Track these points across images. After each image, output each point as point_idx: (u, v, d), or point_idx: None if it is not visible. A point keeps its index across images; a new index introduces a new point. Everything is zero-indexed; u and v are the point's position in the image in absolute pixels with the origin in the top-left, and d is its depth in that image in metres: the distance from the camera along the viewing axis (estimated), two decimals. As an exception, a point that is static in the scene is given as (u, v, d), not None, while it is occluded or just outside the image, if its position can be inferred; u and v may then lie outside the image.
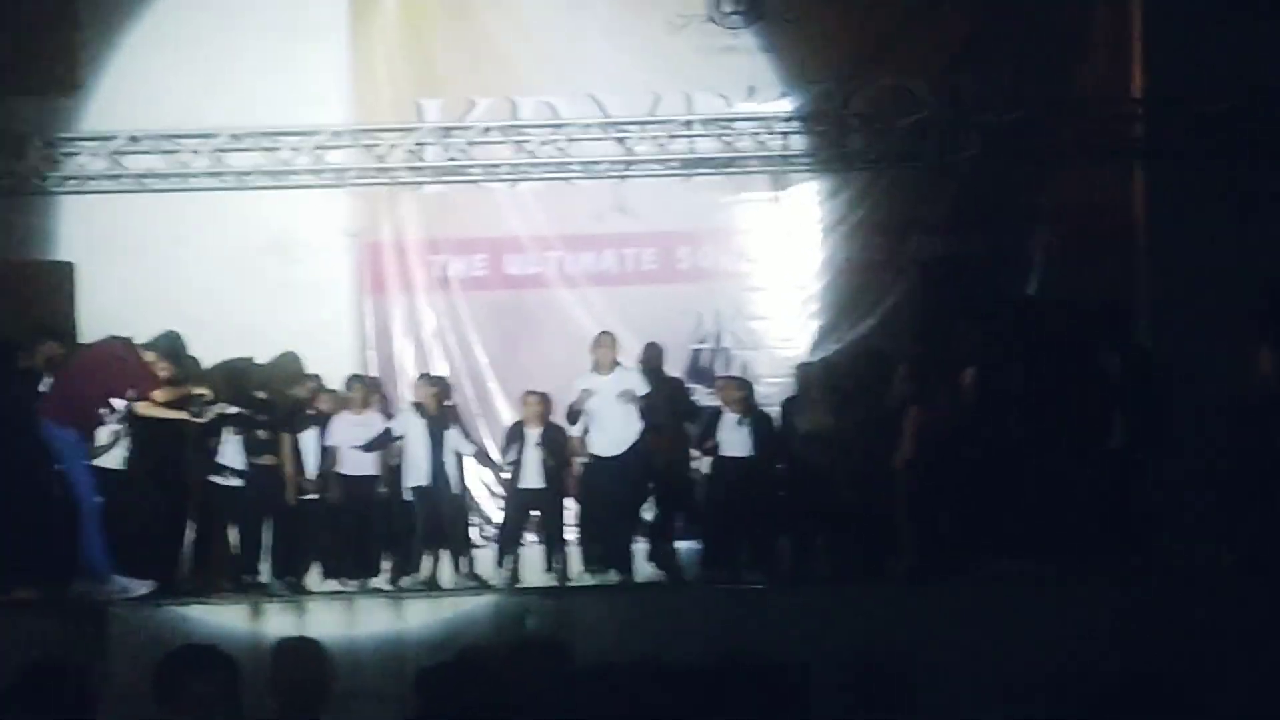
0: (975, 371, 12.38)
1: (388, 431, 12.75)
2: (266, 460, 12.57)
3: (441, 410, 12.98)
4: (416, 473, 12.79)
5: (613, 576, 12.44)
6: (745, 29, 14.63)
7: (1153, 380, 12.25)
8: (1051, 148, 13.94)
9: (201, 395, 11.43)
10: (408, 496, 12.87)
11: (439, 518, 12.98)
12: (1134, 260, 14.40)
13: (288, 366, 12.87)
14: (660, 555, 12.87)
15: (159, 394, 11.23)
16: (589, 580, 12.36)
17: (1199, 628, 10.28)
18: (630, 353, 13.48)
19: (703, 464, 13.12)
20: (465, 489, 13.22)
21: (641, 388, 12.71)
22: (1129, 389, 12.16)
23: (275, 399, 12.70)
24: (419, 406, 12.99)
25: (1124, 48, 14.34)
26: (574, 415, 12.72)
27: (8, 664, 9.75)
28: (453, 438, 12.93)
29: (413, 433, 12.83)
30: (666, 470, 12.97)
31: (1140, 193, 14.49)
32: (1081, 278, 14.12)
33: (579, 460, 12.87)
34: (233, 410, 11.77)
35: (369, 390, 13.16)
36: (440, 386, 13.26)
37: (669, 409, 13.01)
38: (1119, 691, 4.23)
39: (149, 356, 11.23)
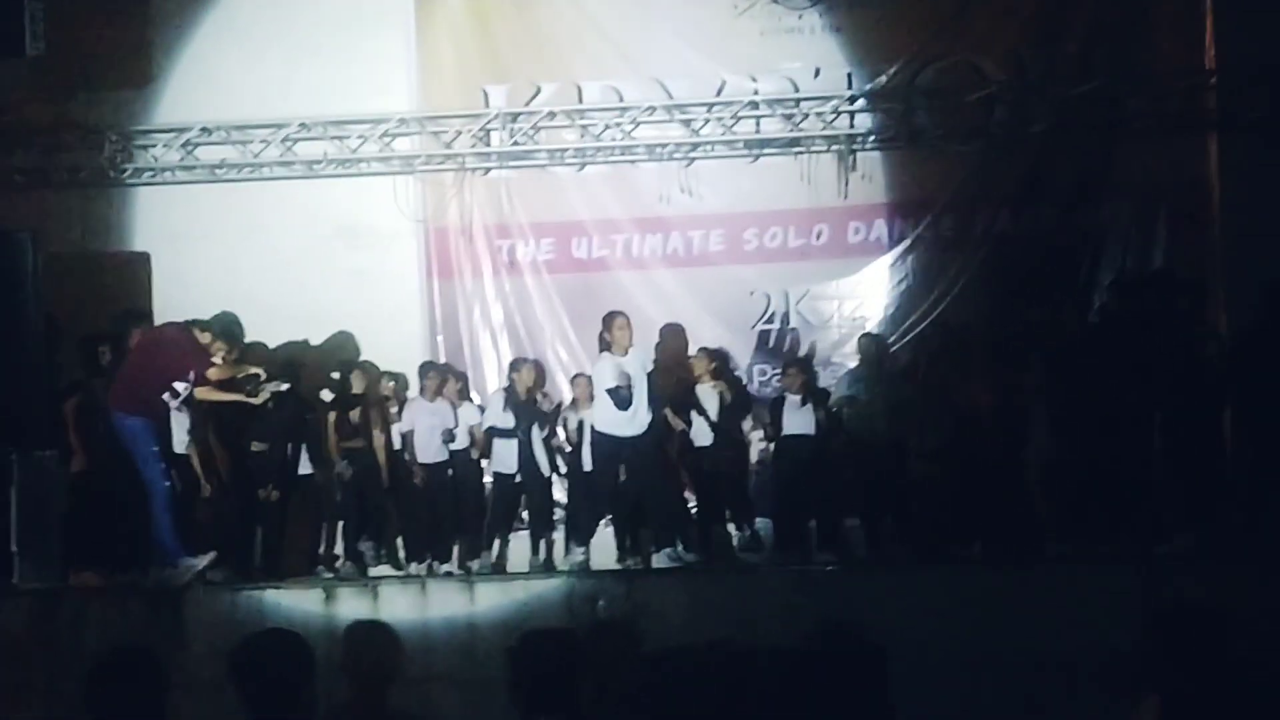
0: (1048, 351, 12.30)
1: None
2: (356, 444, 12.74)
3: (530, 396, 13.04)
4: (499, 458, 12.90)
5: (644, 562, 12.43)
6: (809, 9, 14.56)
7: (1228, 357, 12.13)
8: (1122, 120, 13.82)
9: (255, 375, 11.51)
10: (489, 480, 13.01)
11: (518, 502, 13.09)
12: (1207, 234, 14.20)
13: (344, 347, 13.03)
14: (711, 539, 12.87)
15: (214, 372, 11.32)
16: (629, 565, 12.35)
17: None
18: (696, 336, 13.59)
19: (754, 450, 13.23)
20: (547, 473, 13.27)
21: (649, 364, 12.54)
22: (1207, 366, 12.04)
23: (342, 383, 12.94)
24: (509, 391, 13.07)
25: (1196, 17, 14.14)
26: (621, 399, 12.48)
27: (83, 649, 9.99)
28: (535, 422, 13.01)
29: (499, 418, 12.93)
30: (710, 455, 12.93)
31: (1213, 165, 14.28)
32: (1154, 253, 14.00)
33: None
34: (284, 387, 11.86)
35: (442, 378, 13.27)
36: (537, 372, 13.30)
37: (679, 393, 12.93)
38: (1195, 673, 4.18)
39: (204, 338, 11.32)
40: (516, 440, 12.90)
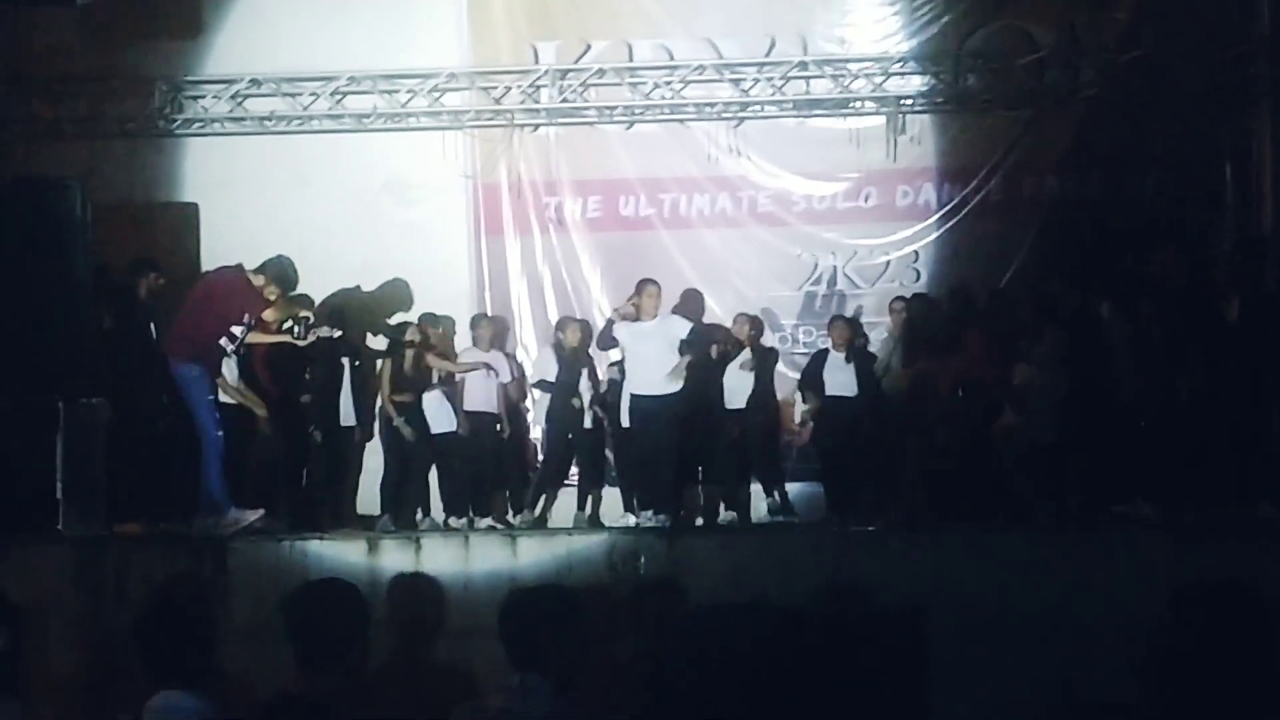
0: (1097, 318, 12.25)
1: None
2: (407, 398, 12.77)
3: (576, 352, 13.09)
4: (546, 411, 12.97)
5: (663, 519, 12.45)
6: (861, -30, 14.53)
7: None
8: (1171, 88, 13.71)
9: (306, 317, 11.54)
10: (536, 435, 13.07)
11: (569, 458, 13.15)
12: (1258, 203, 14.10)
13: (397, 295, 13.09)
14: (734, 499, 12.92)
15: (269, 314, 11.38)
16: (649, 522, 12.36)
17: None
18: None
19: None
20: (591, 430, 13.30)
21: (683, 331, 12.41)
22: (1258, 336, 11.96)
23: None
24: (558, 347, 13.14)
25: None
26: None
27: (127, 597, 10.08)
28: (583, 380, 13.07)
29: (548, 373, 13.01)
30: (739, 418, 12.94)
31: (1265, 133, 14.16)
32: (1203, 223, 13.91)
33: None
34: (336, 334, 11.89)
35: (495, 329, 13.33)
36: (583, 331, 13.33)
37: (708, 356, 12.87)
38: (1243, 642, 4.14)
39: (259, 280, 11.37)
40: (564, 397, 12.98)
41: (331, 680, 4.68)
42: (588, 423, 13.13)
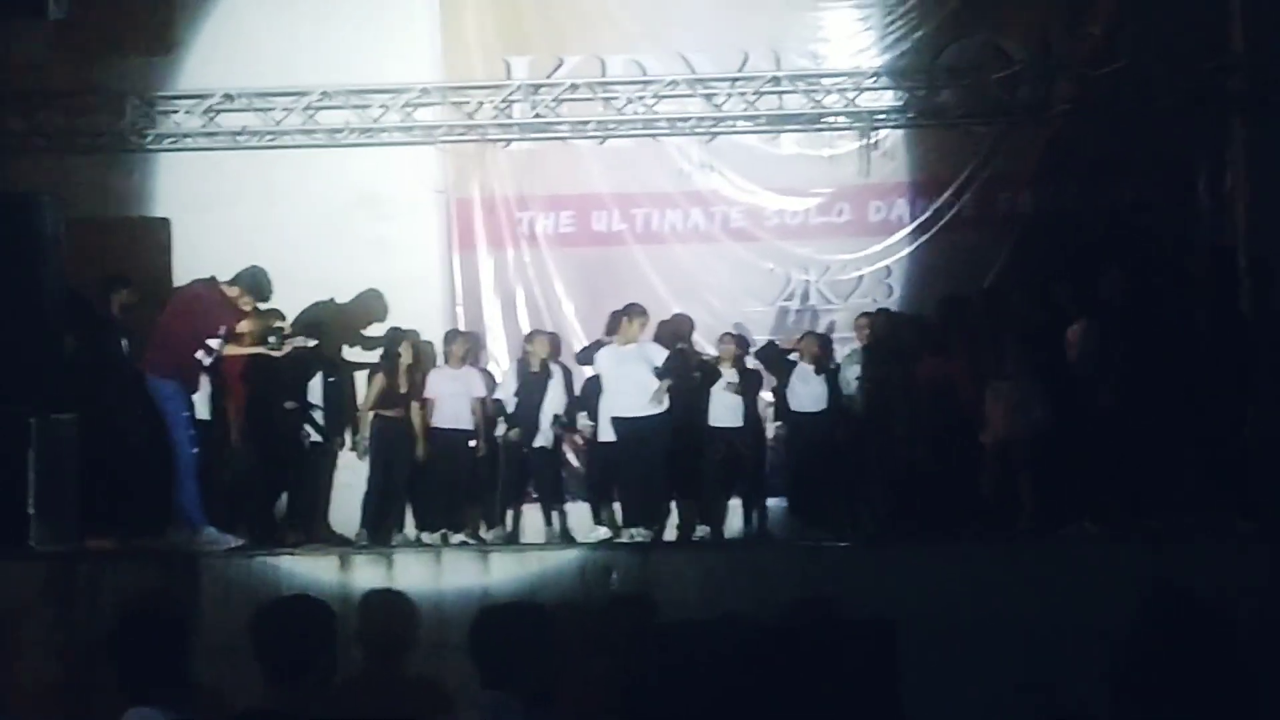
0: (1076, 330, 12.30)
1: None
2: (394, 413, 12.77)
3: (544, 364, 13.14)
4: (515, 426, 12.99)
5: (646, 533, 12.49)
6: (833, -16, 14.56)
7: (1253, 338, 12.10)
8: (1146, 101, 13.73)
9: (281, 328, 11.51)
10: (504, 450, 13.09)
11: (527, 473, 13.16)
12: (1233, 215, 14.14)
13: (370, 304, 13.10)
14: (708, 513, 12.95)
15: (244, 325, 11.36)
16: (637, 537, 12.40)
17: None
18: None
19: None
20: (557, 445, 13.39)
21: (658, 358, 12.69)
22: (1230, 345, 12.01)
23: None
24: (522, 362, 13.18)
25: (1222, -1, 14.09)
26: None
27: (99, 613, 10.03)
28: (550, 394, 13.09)
29: (514, 387, 13.05)
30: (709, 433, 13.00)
31: (1239, 147, 14.21)
32: (1178, 235, 13.94)
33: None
34: (311, 344, 11.85)
35: (467, 345, 13.32)
36: (551, 344, 13.39)
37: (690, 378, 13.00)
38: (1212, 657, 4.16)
39: (232, 292, 11.34)
40: (524, 411, 13.00)
41: (300, 696, 4.66)
42: (545, 440, 13.13)
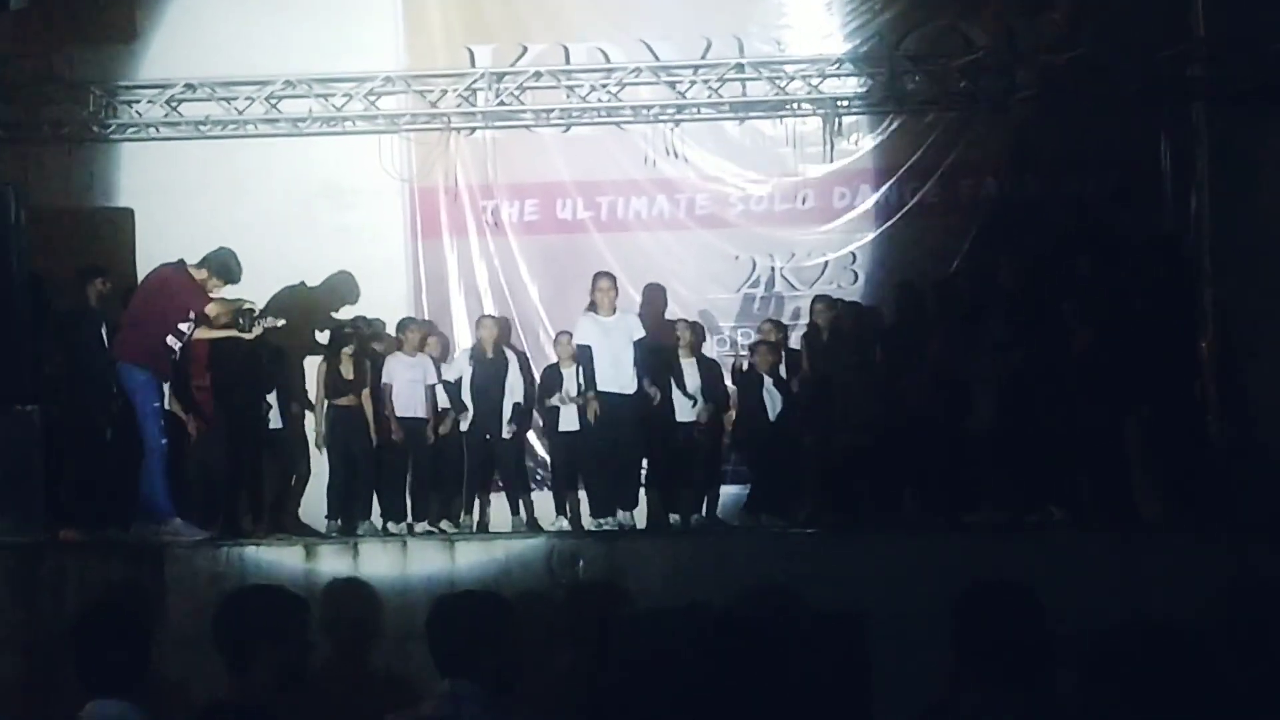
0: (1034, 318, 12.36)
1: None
2: (346, 401, 12.76)
3: (498, 352, 13.15)
4: (469, 414, 12.98)
5: (620, 520, 12.52)
6: (796, -29, 14.57)
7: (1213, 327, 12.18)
8: (1109, 89, 13.77)
9: (250, 310, 11.47)
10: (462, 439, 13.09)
11: (491, 461, 13.16)
12: (1196, 203, 14.18)
13: (340, 287, 13.12)
14: (678, 501, 12.98)
15: (212, 308, 11.32)
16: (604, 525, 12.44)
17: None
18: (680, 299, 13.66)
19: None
20: (521, 433, 13.41)
21: (639, 332, 12.74)
22: (1189, 336, 12.09)
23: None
24: (475, 348, 13.20)
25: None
26: (583, 356, 12.78)
27: (66, 604, 10.00)
28: (509, 380, 13.10)
29: (468, 374, 13.03)
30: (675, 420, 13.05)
31: (1200, 135, 14.23)
32: (1139, 223, 13.98)
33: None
34: (280, 323, 11.83)
35: (423, 333, 13.31)
36: (499, 328, 13.43)
37: (664, 358, 13.04)
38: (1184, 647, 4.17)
39: (200, 274, 11.31)
40: (480, 399, 13.01)
41: (267, 688, 4.65)
42: (505, 429, 13.13)
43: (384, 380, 12.94)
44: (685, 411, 13.06)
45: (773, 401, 13.01)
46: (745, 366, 13.37)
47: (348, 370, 12.85)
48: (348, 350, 12.91)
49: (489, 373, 13.16)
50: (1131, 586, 9.80)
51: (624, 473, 12.73)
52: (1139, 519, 11.73)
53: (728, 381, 13.38)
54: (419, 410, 12.96)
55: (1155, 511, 11.78)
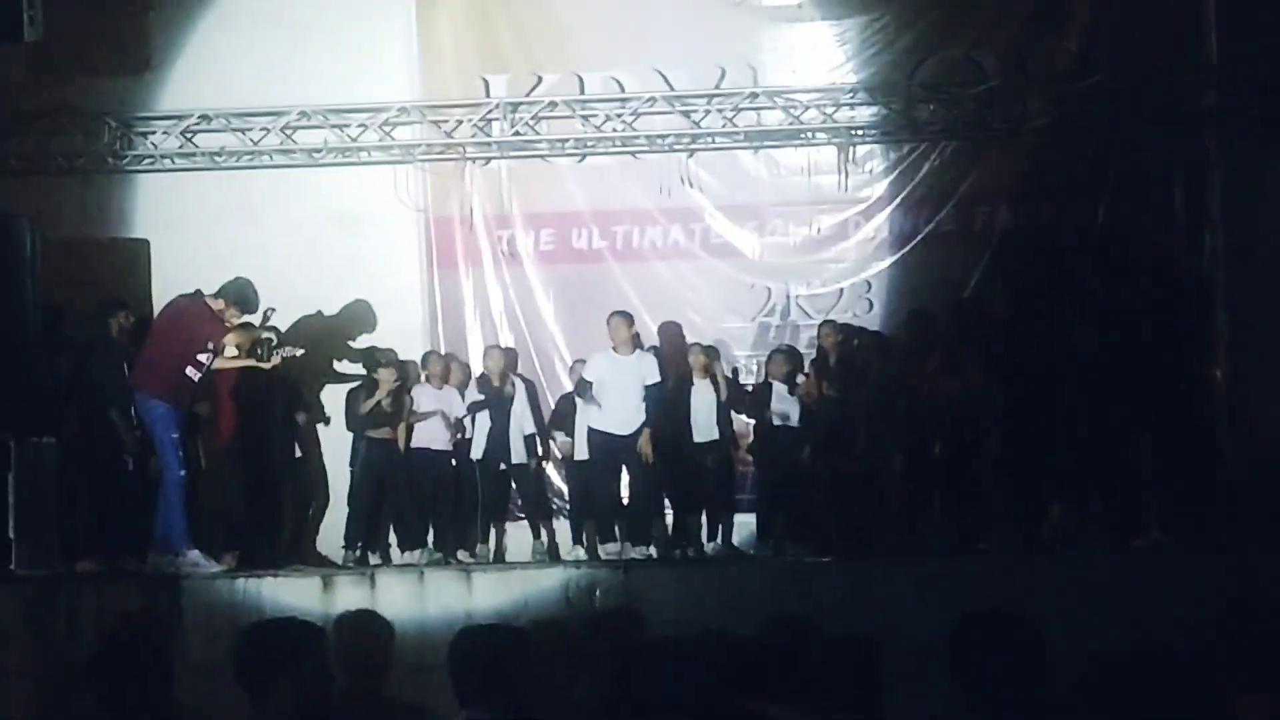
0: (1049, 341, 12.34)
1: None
2: (382, 434, 12.74)
3: (502, 382, 13.14)
4: (480, 445, 12.97)
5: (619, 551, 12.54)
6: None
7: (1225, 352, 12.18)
8: (1122, 117, 13.77)
9: (269, 339, 11.47)
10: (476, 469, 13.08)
11: (507, 490, 13.15)
12: (1209, 229, 14.17)
13: (358, 316, 13.12)
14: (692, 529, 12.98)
15: (231, 338, 11.33)
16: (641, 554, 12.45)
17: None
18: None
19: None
20: (534, 463, 13.40)
21: (653, 376, 12.69)
22: (1204, 359, 12.08)
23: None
24: (484, 379, 13.19)
25: (1198, 14, 14.10)
26: (582, 389, 12.75)
27: (83, 635, 10.00)
28: (514, 409, 13.10)
29: (479, 405, 13.03)
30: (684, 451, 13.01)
31: (1214, 162, 14.23)
32: (1153, 251, 13.96)
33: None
34: (299, 353, 11.82)
35: (446, 364, 13.31)
36: (506, 358, 13.43)
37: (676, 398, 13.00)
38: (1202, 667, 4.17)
39: (218, 305, 11.32)
40: (491, 429, 13.01)
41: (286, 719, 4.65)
42: (520, 456, 13.13)
43: (415, 411, 12.91)
44: (700, 435, 12.99)
45: (786, 410, 12.93)
46: (761, 379, 13.33)
47: (388, 403, 12.81)
48: (390, 383, 12.86)
49: (496, 403, 13.15)
50: (1144, 608, 9.78)
51: (630, 508, 12.72)
52: (1151, 541, 11.67)
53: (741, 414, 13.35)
54: (442, 443, 12.95)
55: (1166, 534, 11.72)
